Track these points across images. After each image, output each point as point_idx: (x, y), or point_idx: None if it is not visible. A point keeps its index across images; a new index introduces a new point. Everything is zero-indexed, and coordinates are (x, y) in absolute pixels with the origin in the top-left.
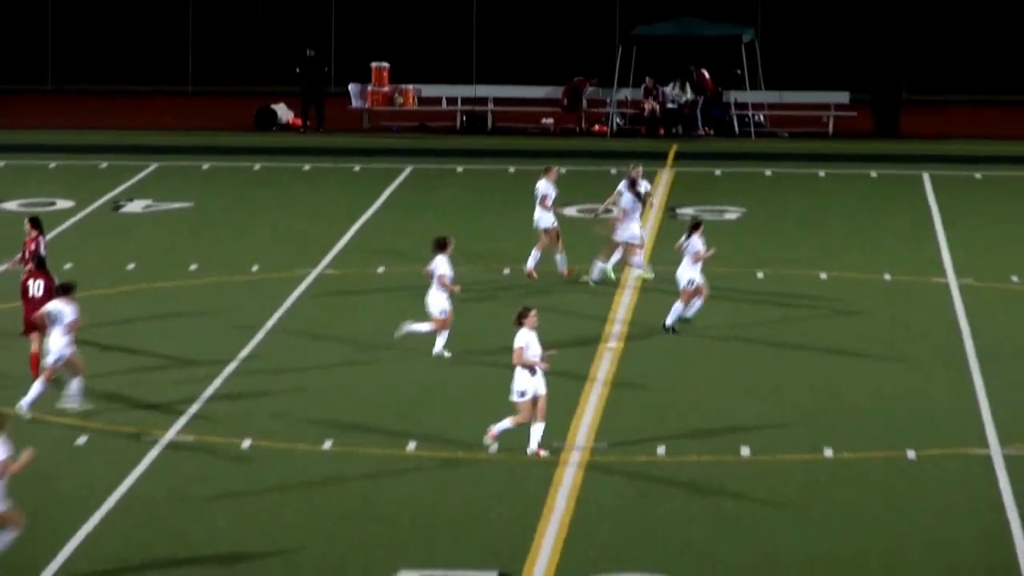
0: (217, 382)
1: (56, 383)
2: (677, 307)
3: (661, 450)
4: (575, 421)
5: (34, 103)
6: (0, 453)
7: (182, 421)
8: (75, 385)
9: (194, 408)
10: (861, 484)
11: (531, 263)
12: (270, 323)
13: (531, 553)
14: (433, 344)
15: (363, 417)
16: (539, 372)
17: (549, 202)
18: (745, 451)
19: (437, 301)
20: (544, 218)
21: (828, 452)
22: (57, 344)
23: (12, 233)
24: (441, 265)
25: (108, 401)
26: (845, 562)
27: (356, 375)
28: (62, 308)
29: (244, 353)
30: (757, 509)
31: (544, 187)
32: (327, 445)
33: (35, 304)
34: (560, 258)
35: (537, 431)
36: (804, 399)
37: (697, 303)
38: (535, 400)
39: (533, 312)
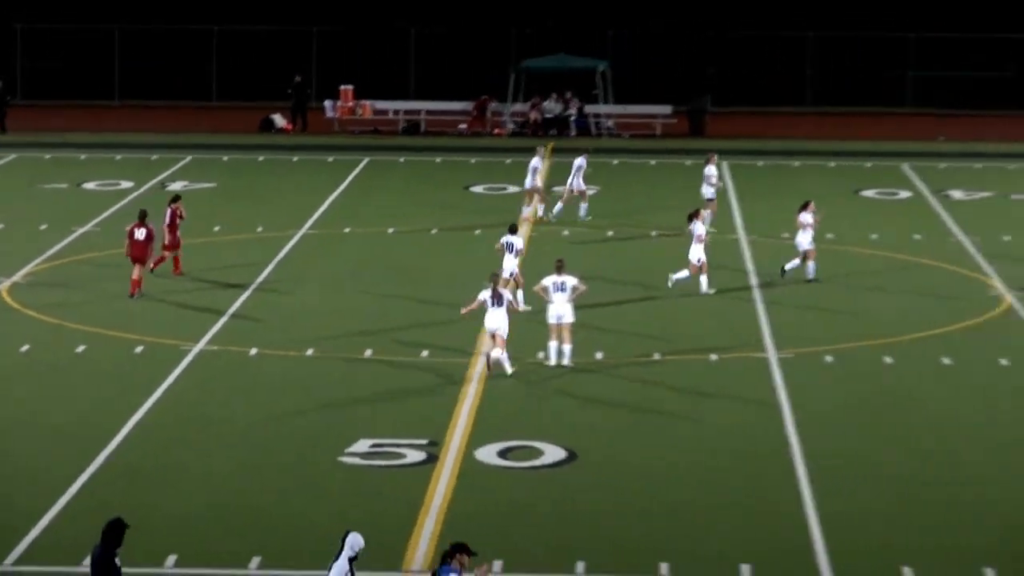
0: (235, 306)
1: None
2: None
3: (540, 355)
4: (482, 331)
5: (106, 113)
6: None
7: (209, 335)
8: (520, 294)
9: (217, 325)
10: (679, 379)
11: (543, 212)
12: (271, 266)
13: (451, 425)
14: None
15: (334, 331)
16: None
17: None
18: (599, 355)
19: (695, 252)
20: (531, 181)
21: (656, 356)
22: (510, 264)
23: (92, 204)
24: (698, 227)
25: (157, 321)
26: (666, 431)
27: (329, 302)
28: (513, 240)
29: (253, 287)
30: (610, 393)
31: (536, 161)
32: (309, 352)
33: (138, 245)
34: (541, 206)
35: (567, 350)
36: (638, 320)
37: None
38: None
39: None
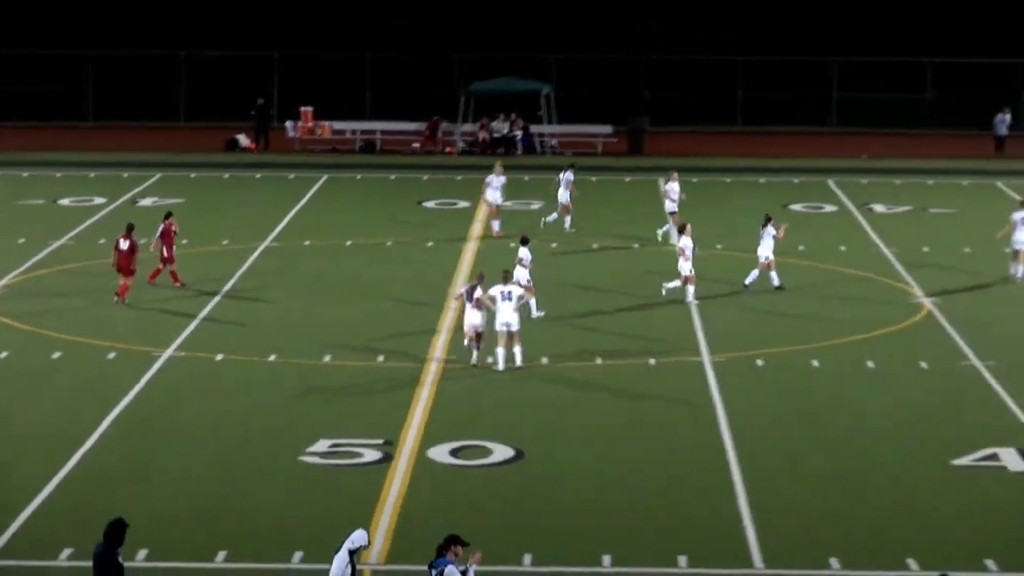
0: (202, 314)
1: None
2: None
3: (489, 360)
4: (434, 338)
5: (80, 133)
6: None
7: (177, 341)
8: (532, 301)
9: (186, 332)
10: (619, 382)
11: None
12: (236, 277)
13: (405, 426)
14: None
15: (295, 338)
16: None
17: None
18: (544, 360)
19: (683, 266)
20: (492, 195)
21: (598, 360)
22: (521, 274)
23: (67, 219)
24: (684, 241)
25: (128, 329)
26: (607, 431)
27: (291, 310)
28: (522, 252)
29: (219, 296)
30: (555, 396)
31: (490, 178)
32: (272, 357)
33: (122, 255)
34: (497, 222)
35: (518, 351)
36: (581, 327)
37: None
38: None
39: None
